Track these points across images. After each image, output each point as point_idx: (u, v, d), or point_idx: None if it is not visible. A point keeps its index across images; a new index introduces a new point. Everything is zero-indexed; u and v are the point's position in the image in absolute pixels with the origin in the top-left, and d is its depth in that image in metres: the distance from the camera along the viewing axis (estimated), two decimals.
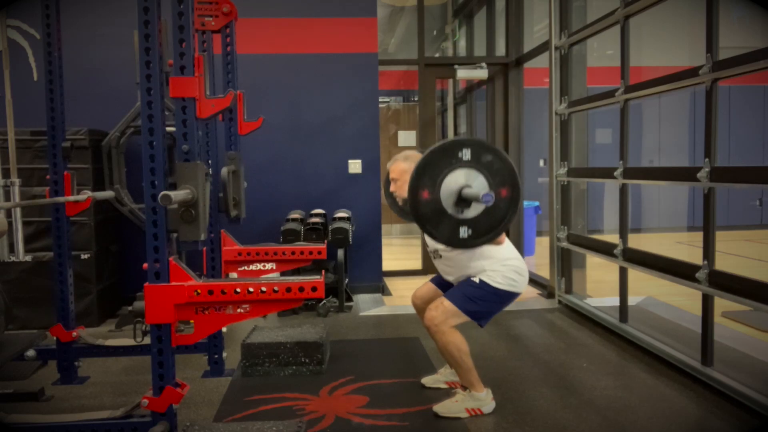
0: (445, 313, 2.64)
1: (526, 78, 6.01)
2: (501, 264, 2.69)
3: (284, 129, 5.07)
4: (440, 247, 2.72)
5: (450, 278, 2.86)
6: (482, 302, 2.67)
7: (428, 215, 2.30)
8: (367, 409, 2.79)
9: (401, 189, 2.83)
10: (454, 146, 2.31)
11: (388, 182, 3.15)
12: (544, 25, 5.10)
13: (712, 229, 2.98)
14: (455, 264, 2.77)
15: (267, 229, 4.84)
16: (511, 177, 2.32)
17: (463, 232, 2.32)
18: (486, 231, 2.35)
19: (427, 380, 3.06)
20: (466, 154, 2.28)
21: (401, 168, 2.82)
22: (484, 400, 2.72)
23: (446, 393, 2.92)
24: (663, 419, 2.64)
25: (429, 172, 2.27)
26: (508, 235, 6.72)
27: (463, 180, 2.28)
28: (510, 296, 2.72)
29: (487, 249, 2.68)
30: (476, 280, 2.69)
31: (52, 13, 2.87)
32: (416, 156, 2.81)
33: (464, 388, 2.76)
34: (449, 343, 2.64)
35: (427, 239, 2.79)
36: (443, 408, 2.72)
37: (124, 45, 4.26)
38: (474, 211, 2.31)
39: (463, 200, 2.28)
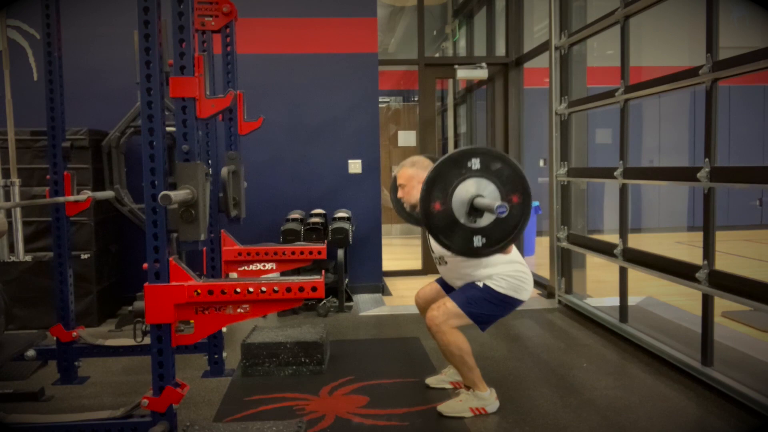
0: (446, 313, 2.64)
1: (526, 78, 6.01)
2: (506, 271, 2.69)
3: (284, 129, 5.07)
4: (446, 253, 2.72)
5: (454, 284, 2.85)
6: (485, 305, 2.67)
7: (441, 226, 2.30)
8: (367, 409, 2.79)
9: (409, 195, 2.83)
10: (462, 156, 2.30)
11: (394, 188, 3.15)
12: (544, 25, 5.10)
13: (712, 229, 2.98)
14: (460, 271, 2.76)
15: (267, 229, 4.85)
16: (521, 183, 2.32)
17: (477, 241, 2.33)
18: (500, 239, 2.35)
19: (432, 381, 3.06)
20: (475, 163, 2.29)
21: (408, 174, 2.81)
22: (488, 399, 2.72)
23: (449, 393, 2.92)
24: (663, 419, 2.64)
25: (439, 184, 2.28)
26: None
27: (474, 189, 2.28)
28: (513, 302, 2.72)
29: (493, 257, 2.66)
30: (480, 284, 2.68)
31: (52, 13, 2.86)
32: (423, 161, 2.82)
33: (468, 387, 2.76)
34: (450, 343, 2.63)
35: (432, 245, 2.78)
36: (447, 408, 2.71)
37: (124, 45, 4.26)
38: (487, 219, 2.31)
39: (475, 209, 2.28)
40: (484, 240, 2.33)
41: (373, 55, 5.14)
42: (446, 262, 2.79)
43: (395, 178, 2.97)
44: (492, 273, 2.68)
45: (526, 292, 2.73)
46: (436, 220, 2.30)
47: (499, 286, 2.67)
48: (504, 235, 2.35)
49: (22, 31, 4.15)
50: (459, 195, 2.29)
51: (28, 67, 4.28)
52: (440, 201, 2.28)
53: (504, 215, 2.15)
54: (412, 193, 2.80)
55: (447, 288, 2.91)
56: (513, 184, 2.31)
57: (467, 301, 2.66)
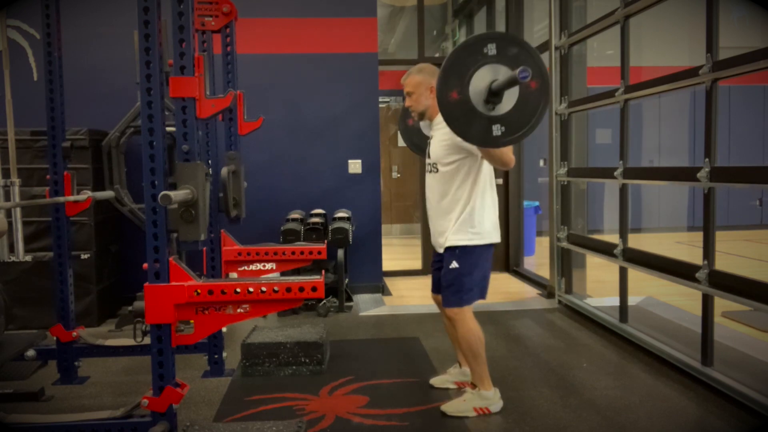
0: (455, 316, 2.68)
1: None
2: (469, 215, 2.65)
3: (284, 129, 5.07)
4: (438, 160, 2.70)
5: (436, 204, 2.77)
6: (472, 275, 2.65)
7: (459, 116, 2.22)
8: (367, 409, 2.79)
9: (417, 102, 2.78)
10: (478, 42, 2.22)
11: (403, 115, 3.11)
12: (544, 25, 5.10)
13: (712, 229, 2.98)
14: (439, 186, 2.72)
15: (267, 229, 4.84)
16: (539, 68, 2.23)
17: (496, 129, 2.24)
18: (519, 127, 2.26)
19: (436, 381, 3.06)
20: (491, 49, 2.21)
21: (416, 81, 2.77)
22: (492, 398, 2.71)
23: (450, 394, 2.92)
24: (663, 419, 2.64)
25: (455, 72, 2.20)
26: (507, 235, 6.67)
27: (491, 76, 2.20)
28: (486, 249, 2.70)
29: (465, 190, 2.65)
30: (453, 265, 2.65)
31: (52, 13, 2.87)
32: (430, 67, 2.77)
33: (473, 386, 2.76)
34: (469, 330, 2.65)
35: (432, 150, 2.75)
36: (451, 407, 2.71)
37: (124, 45, 4.26)
38: (505, 106, 2.23)
39: (493, 96, 2.20)
40: (503, 128, 2.24)
41: (373, 55, 5.14)
42: (437, 170, 2.73)
43: (403, 107, 2.90)
44: (455, 221, 2.65)
45: (492, 235, 2.70)
46: (454, 110, 2.21)
47: (461, 240, 2.64)
48: (523, 122, 2.25)
49: (22, 31, 4.15)
50: (476, 82, 2.20)
51: (28, 67, 4.28)
52: (457, 89, 2.19)
53: (527, 80, 2.05)
54: (420, 100, 2.76)
55: (438, 285, 2.87)
56: (531, 69, 2.18)
57: (457, 295, 2.66)
